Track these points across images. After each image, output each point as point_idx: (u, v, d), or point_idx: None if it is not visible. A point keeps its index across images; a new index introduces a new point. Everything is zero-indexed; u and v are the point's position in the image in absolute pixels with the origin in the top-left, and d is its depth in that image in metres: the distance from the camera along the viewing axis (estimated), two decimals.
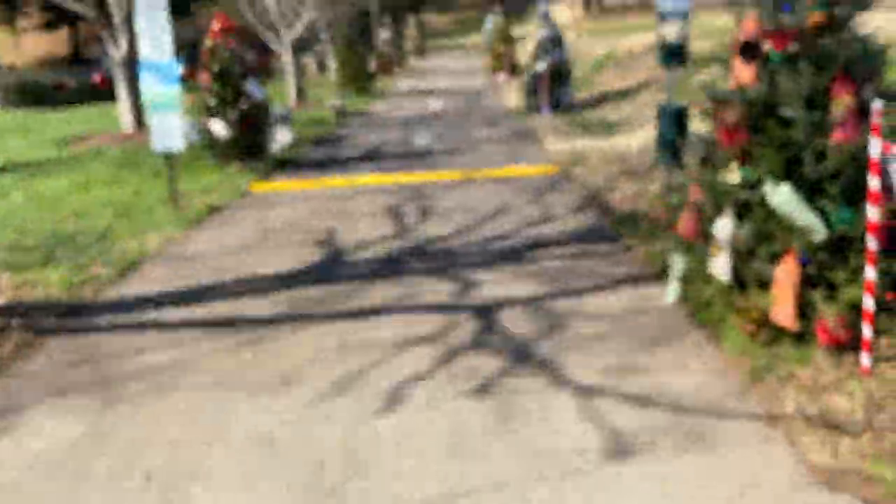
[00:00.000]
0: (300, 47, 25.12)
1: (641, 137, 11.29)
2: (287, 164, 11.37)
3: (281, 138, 12.74)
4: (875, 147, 3.38)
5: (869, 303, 3.56)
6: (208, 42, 10.57)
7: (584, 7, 37.66)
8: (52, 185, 10.02)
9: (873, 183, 3.45)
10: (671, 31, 7.51)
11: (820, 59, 3.75)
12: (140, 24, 7.79)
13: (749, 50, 3.95)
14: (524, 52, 28.83)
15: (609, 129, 13.25)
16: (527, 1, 62.23)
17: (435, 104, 19.71)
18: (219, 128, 10.51)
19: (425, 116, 17.06)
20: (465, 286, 5.51)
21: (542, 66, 15.86)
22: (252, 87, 10.59)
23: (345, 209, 8.22)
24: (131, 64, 13.79)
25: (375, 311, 5.13)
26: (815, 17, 3.75)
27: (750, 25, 3.93)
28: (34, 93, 24.23)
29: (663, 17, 7.54)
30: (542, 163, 10.44)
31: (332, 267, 6.19)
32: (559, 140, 12.28)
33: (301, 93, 20.30)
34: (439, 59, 39.71)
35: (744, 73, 3.97)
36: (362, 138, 13.93)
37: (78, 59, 38.91)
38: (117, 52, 14.01)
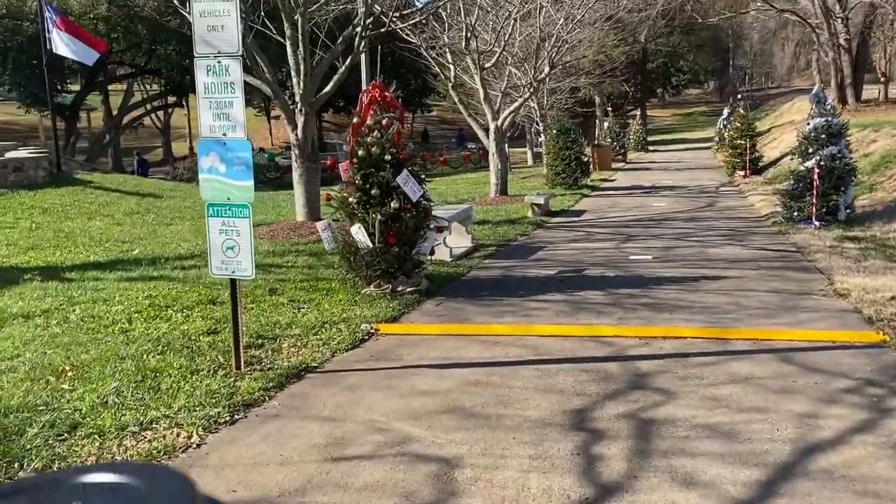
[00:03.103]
0: (511, 136, 22.09)
1: None
2: (448, 284, 7.73)
3: (452, 244, 9.22)
4: None
5: None
6: (356, 120, 7.42)
7: (840, 101, 31.02)
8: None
9: None
10: None
11: None
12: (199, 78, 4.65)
13: None
14: (770, 148, 23.52)
15: None
16: (763, 96, 55.23)
17: (658, 204, 15.31)
18: (361, 236, 7.19)
19: (646, 220, 12.74)
20: None
21: (810, 164, 11.01)
22: (406, 181, 7.17)
23: (492, 401, 4.27)
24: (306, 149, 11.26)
25: None
26: None
27: None
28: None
29: None
30: (846, 320, 5.78)
31: None
32: (856, 272, 7.44)
33: (504, 186, 16.94)
34: (663, 154, 34.76)
35: None
36: (559, 248, 9.97)
37: (320, 145, 39.60)
38: (293, 135, 11.54)
